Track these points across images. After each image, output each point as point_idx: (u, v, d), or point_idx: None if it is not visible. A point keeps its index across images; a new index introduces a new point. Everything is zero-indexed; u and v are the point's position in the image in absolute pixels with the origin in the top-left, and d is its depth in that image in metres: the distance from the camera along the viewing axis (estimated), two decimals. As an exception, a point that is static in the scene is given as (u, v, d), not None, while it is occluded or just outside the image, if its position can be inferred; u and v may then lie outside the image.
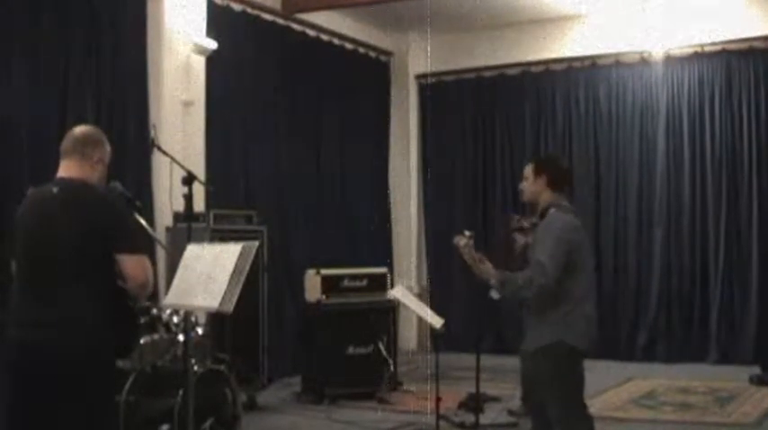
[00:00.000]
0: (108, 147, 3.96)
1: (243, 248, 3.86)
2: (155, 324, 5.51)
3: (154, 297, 5.48)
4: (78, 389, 3.61)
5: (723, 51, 10.23)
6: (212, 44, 8.38)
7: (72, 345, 3.62)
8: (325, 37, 10.52)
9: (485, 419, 6.78)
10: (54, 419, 3.64)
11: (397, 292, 6.43)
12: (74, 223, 3.70)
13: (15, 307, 3.79)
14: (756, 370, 8.79)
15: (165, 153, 5.78)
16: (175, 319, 5.53)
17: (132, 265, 3.72)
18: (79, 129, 3.97)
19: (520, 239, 6.70)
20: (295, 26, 10.03)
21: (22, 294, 3.79)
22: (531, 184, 4.68)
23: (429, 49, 11.54)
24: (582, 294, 4.48)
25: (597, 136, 10.90)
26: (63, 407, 3.62)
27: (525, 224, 6.57)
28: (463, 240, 4.57)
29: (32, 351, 3.64)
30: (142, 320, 5.36)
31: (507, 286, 4.47)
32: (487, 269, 4.51)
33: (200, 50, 8.32)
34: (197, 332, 5.57)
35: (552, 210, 4.57)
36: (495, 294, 4.59)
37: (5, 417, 3.77)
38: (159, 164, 7.53)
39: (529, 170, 4.70)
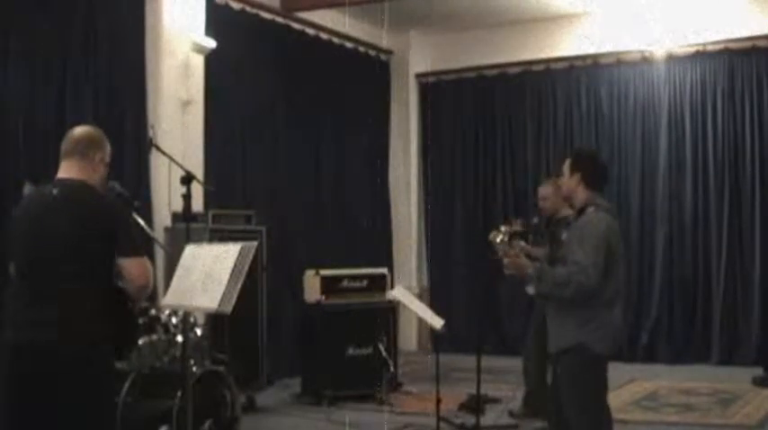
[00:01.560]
0: (109, 148, 3.92)
1: (242, 248, 3.83)
2: (153, 325, 5.50)
3: (152, 298, 5.45)
4: (77, 390, 3.59)
5: (725, 50, 10.19)
6: (211, 43, 8.34)
7: (71, 346, 3.59)
8: (324, 35, 10.48)
9: (485, 421, 6.73)
10: (52, 420, 3.61)
11: (397, 293, 6.39)
12: (73, 224, 3.67)
13: (14, 308, 3.76)
14: (759, 371, 8.74)
15: (163, 153, 5.74)
16: (174, 320, 5.51)
17: (134, 268, 3.69)
18: (79, 130, 3.92)
19: (517, 245, 6.68)
20: (294, 25, 9.99)
21: (20, 295, 3.76)
22: (566, 181, 4.55)
23: (429, 47, 11.51)
24: (611, 298, 4.36)
25: (599, 135, 10.86)
26: (61, 407, 3.59)
27: (518, 227, 6.56)
28: (499, 236, 4.49)
29: (31, 351, 3.61)
30: (141, 321, 5.33)
31: (544, 282, 4.34)
32: (525, 263, 4.41)
33: (198, 49, 8.28)
34: (196, 333, 5.55)
35: (591, 209, 4.43)
36: (530, 289, 4.49)
37: (4, 418, 3.73)
38: (158, 163, 7.50)
39: (566, 165, 4.57)
